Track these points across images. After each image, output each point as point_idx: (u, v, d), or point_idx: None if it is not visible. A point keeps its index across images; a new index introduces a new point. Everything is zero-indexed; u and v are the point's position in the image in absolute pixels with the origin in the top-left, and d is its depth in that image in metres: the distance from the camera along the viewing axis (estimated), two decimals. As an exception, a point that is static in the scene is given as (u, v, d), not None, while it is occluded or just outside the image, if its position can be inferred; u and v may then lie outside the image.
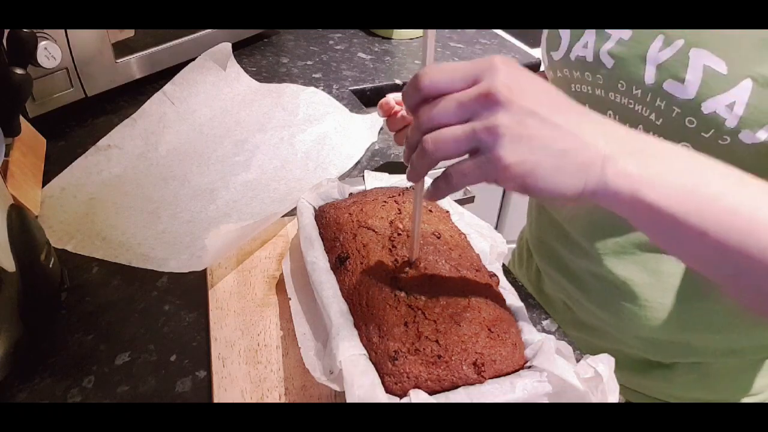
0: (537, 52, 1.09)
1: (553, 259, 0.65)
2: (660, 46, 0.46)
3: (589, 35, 0.51)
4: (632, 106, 0.49)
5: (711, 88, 0.43)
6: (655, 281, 0.54)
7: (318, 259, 0.46)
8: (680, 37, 0.45)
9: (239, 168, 0.70)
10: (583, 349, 0.63)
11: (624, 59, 0.48)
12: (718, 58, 0.43)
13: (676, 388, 0.60)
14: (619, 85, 0.50)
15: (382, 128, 0.80)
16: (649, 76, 0.47)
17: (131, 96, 0.83)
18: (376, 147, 0.77)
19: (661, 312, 0.55)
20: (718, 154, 0.46)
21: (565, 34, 0.54)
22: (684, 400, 0.60)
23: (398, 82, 0.96)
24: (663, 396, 0.61)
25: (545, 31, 0.58)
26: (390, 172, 0.60)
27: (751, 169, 0.47)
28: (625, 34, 0.48)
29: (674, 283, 0.54)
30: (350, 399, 0.35)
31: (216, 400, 0.42)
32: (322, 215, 0.51)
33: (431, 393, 0.36)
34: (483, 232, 0.51)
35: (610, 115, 0.52)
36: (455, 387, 0.37)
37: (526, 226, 0.75)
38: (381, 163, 0.74)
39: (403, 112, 0.48)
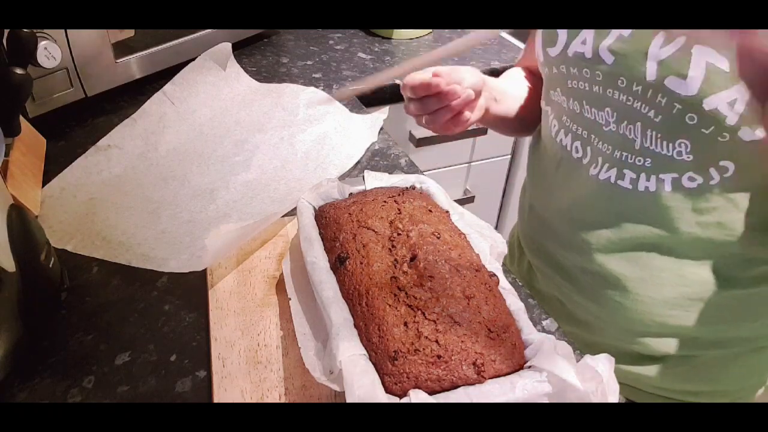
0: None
1: (545, 255, 0.65)
2: (662, 43, 0.46)
3: (588, 32, 0.51)
4: (631, 103, 0.49)
5: (713, 85, 0.44)
6: (646, 276, 0.55)
7: (318, 259, 0.46)
8: (682, 34, 0.45)
9: (239, 168, 0.70)
10: (575, 343, 0.64)
11: (625, 56, 0.48)
12: (720, 55, 0.43)
13: (665, 380, 0.60)
14: (619, 82, 0.50)
15: (382, 128, 0.80)
16: (651, 72, 0.47)
17: (131, 96, 0.83)
18: (376, 147, 0.77)
19: (651, 306, 0.56)
20: (718, 151, 0.47)
21: (562, 30, 0.54)
22: (673, 392, 0.61)
23: (398, 82, 0.96)
24: (652, 388, 0.62)
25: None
26: (390, 172, 0.60)
27: (749, 164, 0.47)
28: (625, 30, 0.48)
29: (666, 277, 0.54)
30: (350, 399, 0.35)
31: (216, 400, 0.42)
32: (322, 215, 0.51)
33: (431, 393, 0.36)
34: (483, 232, 0.51)
35: (608, 112, 0.52)
36: (455, 387, 0.37)
37: (518, 223, 0.75)
38: (381, 163, 0.74)
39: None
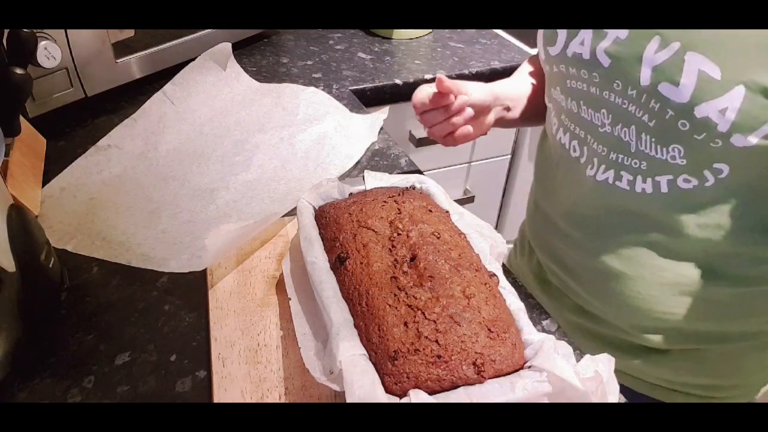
0: (536, 52, 1.09)
1: (549, 252, 0.65)
2: (656, 48, 0.46)
3: (586, 33, 0.52)
4: (626, 106, 0.50)
5: (705, 92, 0.44)
6: (647, 275, 0.55)
7: (318, 259, 0.46)
8: (676, 40, 0.45)
9: (239, 168, 0.70)
10: (581, 333, 0.64)
11: (621, 59, 0.49)
12: (712, 63, 0.43)
13: (670, 373, 0.61)
14: (615, 85, 0.50)
15: (382, 128, 0.80)
16: (645, 77, 0.47)
17: (131, 96, 0.83)
18: (376, 147, 0.77)
19: (653, 304, 0.56)
20: (711, 155, 0.47)
21: (561, 30, 0.54)
22: (679, 385, 0.62)
23: (398, 82, 0.96)
24: (656, 380, 0.62)
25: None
26: (390, 172, 0.60)
27: (743, 168, 0.47)
28: (622, 33, 0.49)
29: (667, 276, 0.54)
30: (350, 399, 0.35)
31: (216, 400, 0.42)
32: (322, 215, 0.51)
33: (431, 393, 0.36)
34: (483, 232, 0.51)
35: (603, 113, 0.52)
36: (455, 387, 0.37)
37: (525, 219, 0.76)
38: (381, 163, 0.74)
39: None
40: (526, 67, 0.72)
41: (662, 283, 0.55)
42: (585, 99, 0.53)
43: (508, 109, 0.66)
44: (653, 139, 0.49)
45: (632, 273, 0.56)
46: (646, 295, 0.56)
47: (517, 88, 0.68)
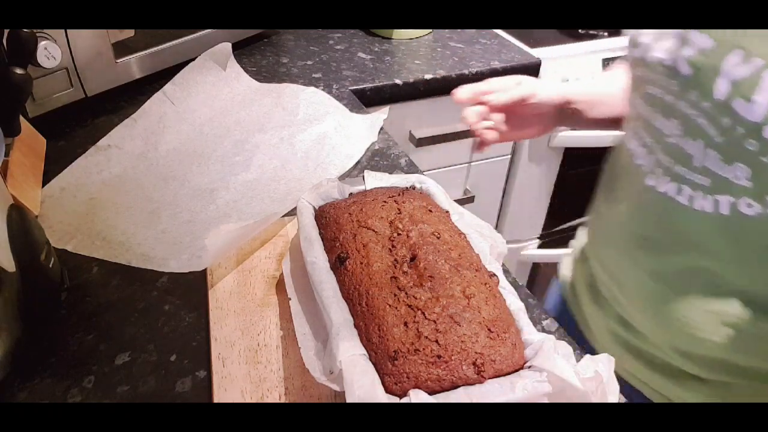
0: (537, 52, 1.09)
1: (601, 260, 0.64)
2: (737, 61, 0.44)
3: (669, 39, 0.50)
4: (696, 118, 0.48)
5: None
6: (695, 300, 0.53)
7: (318, 259, 0.46)
8: (759, 56, 0.43)
9: (239, 168, 0.70)
10: (621, 346, 0.62)
11: (701, 69, 0.47)
12: None
13: (703, 400, 0.58)
14: (691, 95, 0.48)
15: (382, 128, 0.80)
16: (721, 90, 0.45)
17: (131, 96, 0.83)
18: (376, 147, 0.77)
19: (697, 330, 0.54)
20: None
21: (646, 33, 0.53)
22: None
23: (398, 82, 0.96)
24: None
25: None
26: (390, 172, 0.60)
27: None
28: (707, 42, 0.47)
29: (714, 305, 0.53)
30: (350, 399, 0.35)
31: (216, 400, 0.42)
32: (322, 215, 0.51)
33: (431, 393, 0.36)
34: (483, 232, 0.51)
35: (674, 123, 0.50)
36: (455, 387, 0.37)
37: (587, 224, 0.74)
38: (381, 163, 0.74)
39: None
40: (619, 68, 0.70)
41: (708, 310, 0.53)
42: (659, 106, 0.52)
43: (577, 111, 0.66)
44: (719, 156, 0.47)
45: (679, 296, 0.54)
46: (690, 320, 0.54)
47: (596, 88, 0.67)
